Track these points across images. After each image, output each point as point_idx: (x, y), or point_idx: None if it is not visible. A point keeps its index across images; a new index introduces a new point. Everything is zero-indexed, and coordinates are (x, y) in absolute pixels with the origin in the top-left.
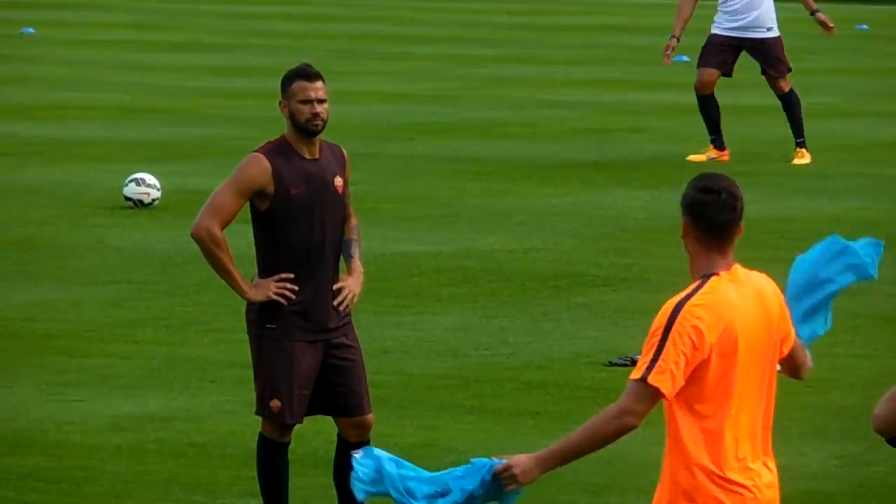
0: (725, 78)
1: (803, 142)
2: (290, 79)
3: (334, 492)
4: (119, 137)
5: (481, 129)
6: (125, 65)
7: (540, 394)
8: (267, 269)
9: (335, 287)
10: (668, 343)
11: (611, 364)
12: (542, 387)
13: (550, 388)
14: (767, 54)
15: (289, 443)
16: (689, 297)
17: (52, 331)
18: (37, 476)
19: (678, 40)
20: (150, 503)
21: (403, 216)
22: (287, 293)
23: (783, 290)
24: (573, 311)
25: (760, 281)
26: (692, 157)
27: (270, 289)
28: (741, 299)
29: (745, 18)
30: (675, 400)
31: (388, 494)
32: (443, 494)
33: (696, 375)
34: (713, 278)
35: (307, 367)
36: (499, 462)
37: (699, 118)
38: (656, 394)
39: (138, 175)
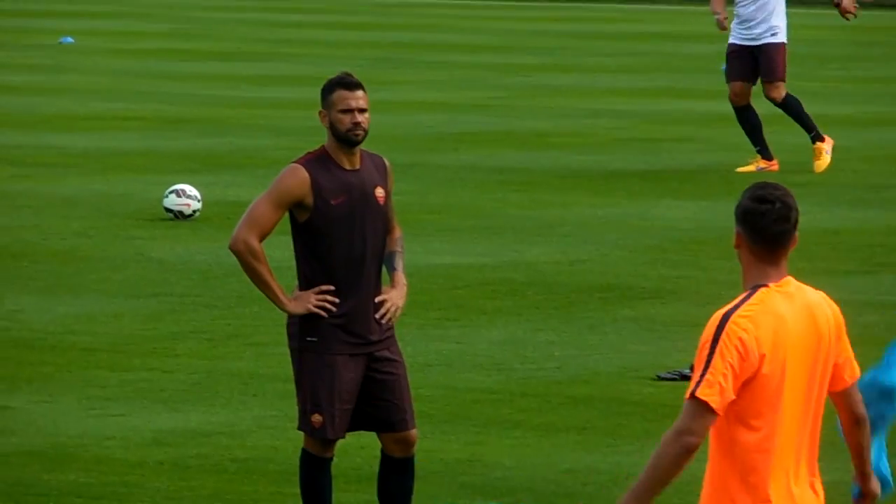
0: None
1: (818, 133)
2: (330, 88)
3: None
4: (159, 148)
5: (526, 139)
6: (164, 74)
7: (586, 409)
8: (307, 281)
9: (378, 299)
10: (716, 355)
11: (659, 378)
12: (589, 401)
13: (597, 402)
14: (765, 59)
15: (332, 458)
16: (736, 307)
17: (92, 344)
18: (77, 492)
19: (723, 15)
20: None
21: (447, 227)
22: (327, 305)
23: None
24: (620, 325)
25: (814, 297)
26: (741, 169)
27: (310, 301)
28: (789, 312)
29: (752, 24)
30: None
31: None
32: None
33: (745, 388)
34: (762, 289)
35: (349, 380)
36: None
37: None
38: (708, 408)
39: (178, 186)
